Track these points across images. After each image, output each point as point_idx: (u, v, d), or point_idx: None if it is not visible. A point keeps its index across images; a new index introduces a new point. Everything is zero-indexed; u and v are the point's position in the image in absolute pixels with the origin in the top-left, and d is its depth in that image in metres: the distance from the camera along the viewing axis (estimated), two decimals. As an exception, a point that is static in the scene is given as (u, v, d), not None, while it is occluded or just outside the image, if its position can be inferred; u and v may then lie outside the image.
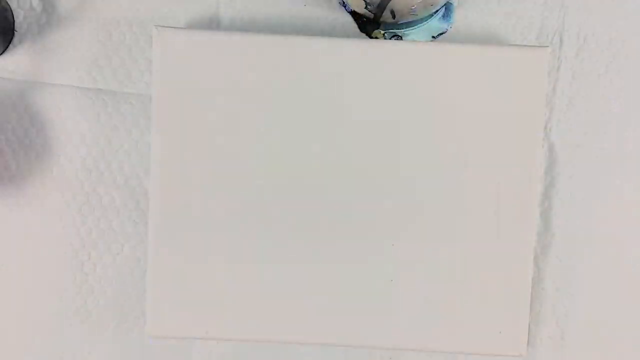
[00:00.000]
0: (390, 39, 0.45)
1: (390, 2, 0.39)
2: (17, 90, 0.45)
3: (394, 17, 0.42)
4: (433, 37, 0.45)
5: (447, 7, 0.45)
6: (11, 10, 0.45)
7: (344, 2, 0.44)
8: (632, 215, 0.46)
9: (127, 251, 0.46)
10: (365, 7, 0.41)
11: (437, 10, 0.44)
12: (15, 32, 0.45)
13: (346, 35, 0.45)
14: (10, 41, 0.45)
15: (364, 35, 0.45)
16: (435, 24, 0.45)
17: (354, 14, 0.45)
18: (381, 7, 0.40)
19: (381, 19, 0.43)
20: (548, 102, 0.45)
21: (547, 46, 0.42)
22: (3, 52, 0.45)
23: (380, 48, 0.42)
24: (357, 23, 0.45)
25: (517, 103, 0.42)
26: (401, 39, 0.45)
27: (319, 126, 0.42)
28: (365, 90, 0.42)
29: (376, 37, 0.45)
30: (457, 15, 0.45)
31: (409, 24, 0.44)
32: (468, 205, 0.42)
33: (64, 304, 0.46)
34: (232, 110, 0.42)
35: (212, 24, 0.45)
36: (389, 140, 0.42)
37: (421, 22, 0.44)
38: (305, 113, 0.42)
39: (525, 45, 0.43)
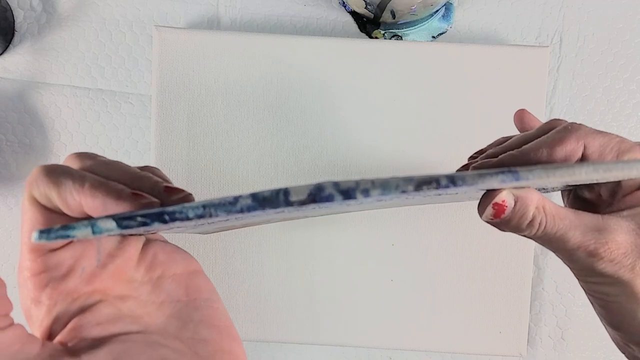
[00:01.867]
0: (390, 39, 0.45)
1: (390, 2, 0.39)
2: (17, 90, 0.45)
3: (394, 17, 0.42)
4: (433, 37, 0.45)
5: (447, 7, 0.45)
6: (11, 10, 0.45)
7: (344, 2, 0.44)
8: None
9: (127, 251, 0.46)
10: (365, 7, 0.41)
11: (437, 10, 0.44)
12: (15, 32, 0.45)
13: (346, 35, 0.45)
14: (10, 41, 0.45)
15: (364, 35, 0.45)
16: (435, 24, 0.45)
17: (354, 14, 0.45)
18: (381, 7, 0.40)
19: (381, 19, 0.43)
20: (548, 102, 0.45)
21: (547, 46, 0.42)
22: (3, 52, 0.45)
23: (380, 48, 0.42)
24: (357, 23, 0.45)
25: (517, 103, 0.42)
26: (401, 39, 0.45)
27: (319, 126, 0.42)
28: (366, 89, 0.42)
29: (376, 37, 0.45)
30: (457, 15, 0.45)
31: (409, 24, 0.44)
32: (468, 205, 0.42)
33: (64, 304, 0.46)
34: (231, 109, 0.42)
35: (212, 24, 0.45)
36: (389, 139, 0.42)
37: (421, 22, 0.44)
38: (305, 112, 0.42)
39: (525, 45, 0.43)
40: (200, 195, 0.42)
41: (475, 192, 0.20)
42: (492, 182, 0.17)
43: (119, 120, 0.45)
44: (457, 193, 0.19)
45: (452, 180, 0.17)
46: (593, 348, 0.46)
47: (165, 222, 0.17)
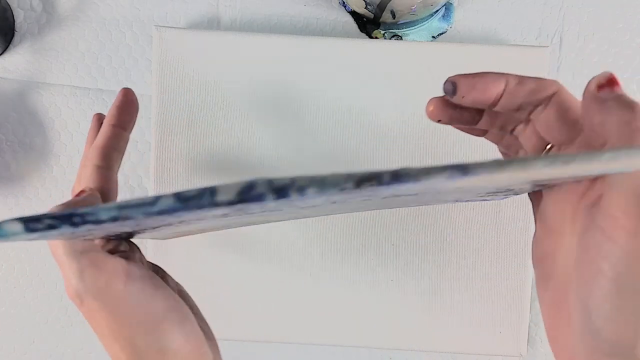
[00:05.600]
0: (390, 39, 0.45)
1: (390, 2, 0.39)
2: (17, 90, 0.45)
3: (394, 17, 0.42)
4: (433, 37, 0.45)
5: (447, 7, 0.45)
6: (11, 10, 0.45)
7: (344, 2, 0.44)
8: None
9: (127, 251, 0.46)
10: (365, 7, 0.41)
11: (437, 10, 0.44)
12: (15, 32, 0.45)
13: (346, 35, 0.45)
14: (10, 41, 0.45)
15: (364, 35, 0.45)
16: (435, 24, 0.45)
17: (354, 14, 0.45)
18: (381, 7, 0.40)
19: (381, 19, 0.43)
20: (548, 102, 0.45)
21: (547, 46, 0.42)
22: (3, 52, 0.45)
23: (380, 48, 0.42)
24: (357, 23, 0.45)
25: (517, 103, 0.42)
26: (401, 39, 0.45)
27: (319, 126, 0.42)
28: (365, 90, 0.42)
29: (376, 37, 0.45)
30: (457, 15, 0.45)
31: (409, 24, 0.44)
32: (467, 205, 0.42)
33: (64, 303, 0.46)
34: (231, 109, 0.42)
35: (212, 24, 0.45)
36: (389, 140, 0.42)
37: (421, 22, 0.44)
38: (305, 112, 0.42)
39: (525, 45, 0.43)
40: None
41: (446, 190, 0.18)
42: (439, 180, 0.15)
43: (119, 120, 0.45)
44: (414, 194, 0.17)
45: (396, 177, 0.14)
46: (593, 348, 0.46)
47: (75, 225, 0.16)
